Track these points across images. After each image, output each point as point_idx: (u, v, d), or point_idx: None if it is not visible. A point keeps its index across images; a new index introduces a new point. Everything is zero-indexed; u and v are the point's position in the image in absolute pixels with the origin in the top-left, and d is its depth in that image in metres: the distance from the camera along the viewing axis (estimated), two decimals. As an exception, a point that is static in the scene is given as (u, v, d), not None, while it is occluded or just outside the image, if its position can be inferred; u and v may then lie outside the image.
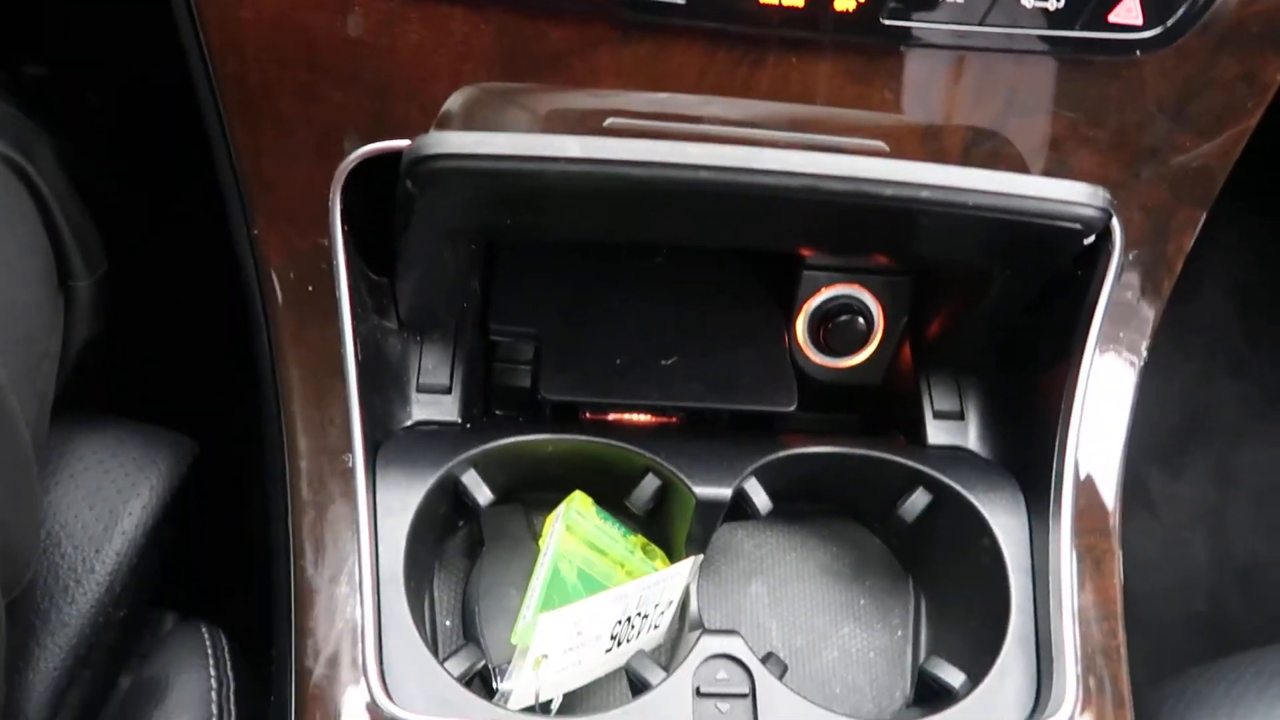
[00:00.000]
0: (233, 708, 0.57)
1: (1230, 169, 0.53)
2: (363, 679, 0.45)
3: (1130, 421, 0.54)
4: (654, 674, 0.51)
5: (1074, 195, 0.46)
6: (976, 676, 0.52)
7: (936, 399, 0.62)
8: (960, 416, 0.61)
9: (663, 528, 0.59)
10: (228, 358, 0.66)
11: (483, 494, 0.55)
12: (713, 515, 0.56)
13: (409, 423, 0.57)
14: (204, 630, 0.62)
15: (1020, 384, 0.59)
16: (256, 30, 0.49)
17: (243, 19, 0.49)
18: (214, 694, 0.57)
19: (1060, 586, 0.51)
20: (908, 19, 0.50)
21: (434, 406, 0.58)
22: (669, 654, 0.57)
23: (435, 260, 0.53)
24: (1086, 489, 0.53)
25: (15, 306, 0.56)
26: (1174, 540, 1.20)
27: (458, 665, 0.50)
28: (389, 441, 0.55)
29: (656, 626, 0.56)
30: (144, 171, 0.88)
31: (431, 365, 0.59)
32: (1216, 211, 0.55)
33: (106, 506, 0.63)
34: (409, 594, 0.49)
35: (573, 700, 0.54)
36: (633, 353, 0.61)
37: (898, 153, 0.50)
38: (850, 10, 0.49)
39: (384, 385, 0.57)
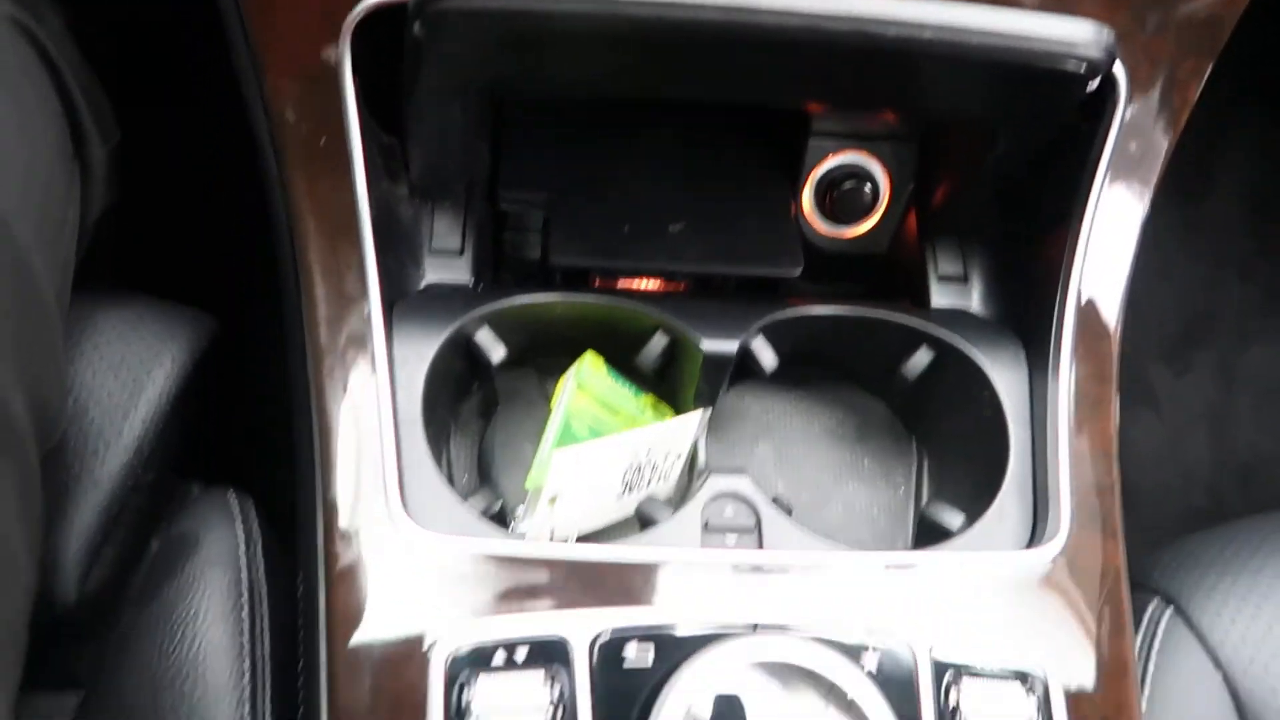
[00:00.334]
0: (260, 563, 0.60)
1: (1238, 19, 0.53)
2: (387, 506, 0.47)
3: (1131, 271, 0.55)
4: (663, 513, 0.53)
5: (1078, 33, 0.46)
6: (975, 517, 0.54)
7: (941, 264, 0.63)
8: (964, 280, 0.62)
9: (671, 387, 0.61)
10: (242, 231, 0.68)
11: (496, 352, 0.57)
12: (720, 371, 0.57)
13: (422, 285, 0.59)
14: (230, 494, 0.64)
15: (1024, 245, 0.60)
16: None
17: None
18: (242, 550, 0.60)
19: (1058, 431, 0.53)
20: None
21: (446, 269, 0.59)
22: (677, 505, 0.59)
23: (444, 117, 0.54)
24: (1086, 336, 0.54)
25: (34, 172, 0.57)
26: (1176, 437, 1.22)
27: (475, 505, 0.52)
28: (403, 300, 0.56)
29: (665, 478, 0.58)
30: (149, 35, 0.87)
31: (443, 230, 0.60)
32: (1230, 114, 0.55)
33: (130, 375, 0.65)
34: (428, 438, 0.51)
35: (585, 542, 0.56)
36: (641, 220, 0.62)
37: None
38: None
39: (396, 248, 0.58)
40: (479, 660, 0.44)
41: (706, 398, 0.59)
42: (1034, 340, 0.57)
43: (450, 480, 0.58)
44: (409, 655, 0.45)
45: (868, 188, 0.64)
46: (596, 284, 0.63)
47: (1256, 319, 1.25)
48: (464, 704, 0.43)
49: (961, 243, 0.63)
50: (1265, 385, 1.24)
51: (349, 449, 0.48)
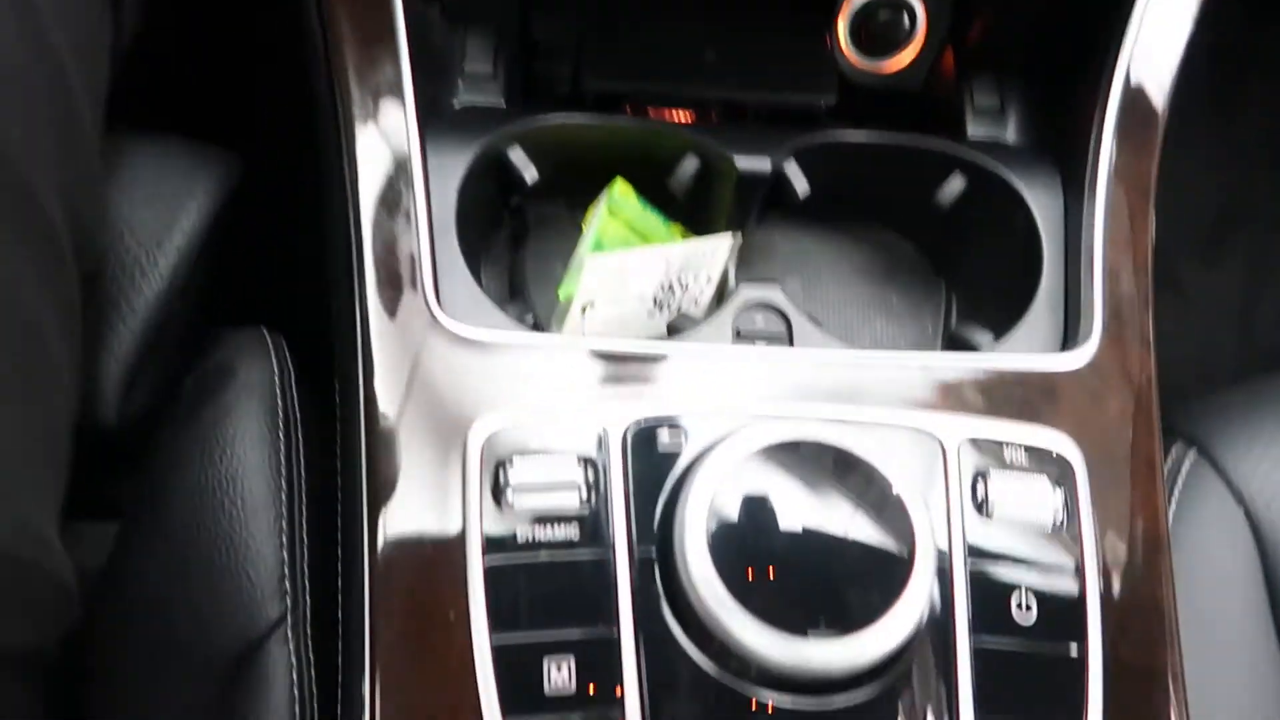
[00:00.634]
0: (294, 393, 0.61)
1: None
2: (424, 303, 0.48)
3: (1172, 89, 0.54)
4: (694, 324, 0.53)
5: None
6: (1004, 334, 0.54)
7: (977, 97, 0.62)
8: (1000, 111, 0.62)
9: (703, 213, 0.60)
10: (269, 71, 0.67)
11: (529, 171, 0.57)
12: (751, 193, 0.57)
13: (456, 106, 0.58)
14: (263, 330, 0.65)
15: (1063, 74, 0.59)
16: None
17: None
18: (276, 380, 0.61)
19: (1094, 244, 0.52)
20: None
21: (478, 92, 0.59)
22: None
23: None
24: (1126, 153, 0.53)
25: None
26: (1204, 329, 1.21)
27: (510, 314, 0.53)
28: (436, 118, 0.56)
29: (696, 302, 0.59)
30: None
31: (475, 54, 0.60)
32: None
33: (164, 206, 0.66)
34: (462, 250, 0.51)
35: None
36: (675, 47, 0.62)
37: None
38: None
39: (429, 69, 0.57)
40: (516, 442, 0.45)
41: (737, 224, 0.59)
42: (1071, 164, 0.56)
43: None
44: (449, 439, 0.45)
45: (905, 17, 0.62)
46: (628, 110, 0.63)
47: (1290, 210, 1.23)
48: (501, 483, 0.44)
49: (999, 76, 0.62)
50: (1297, 277, 1.22)
51: (383, 251, 0.49)
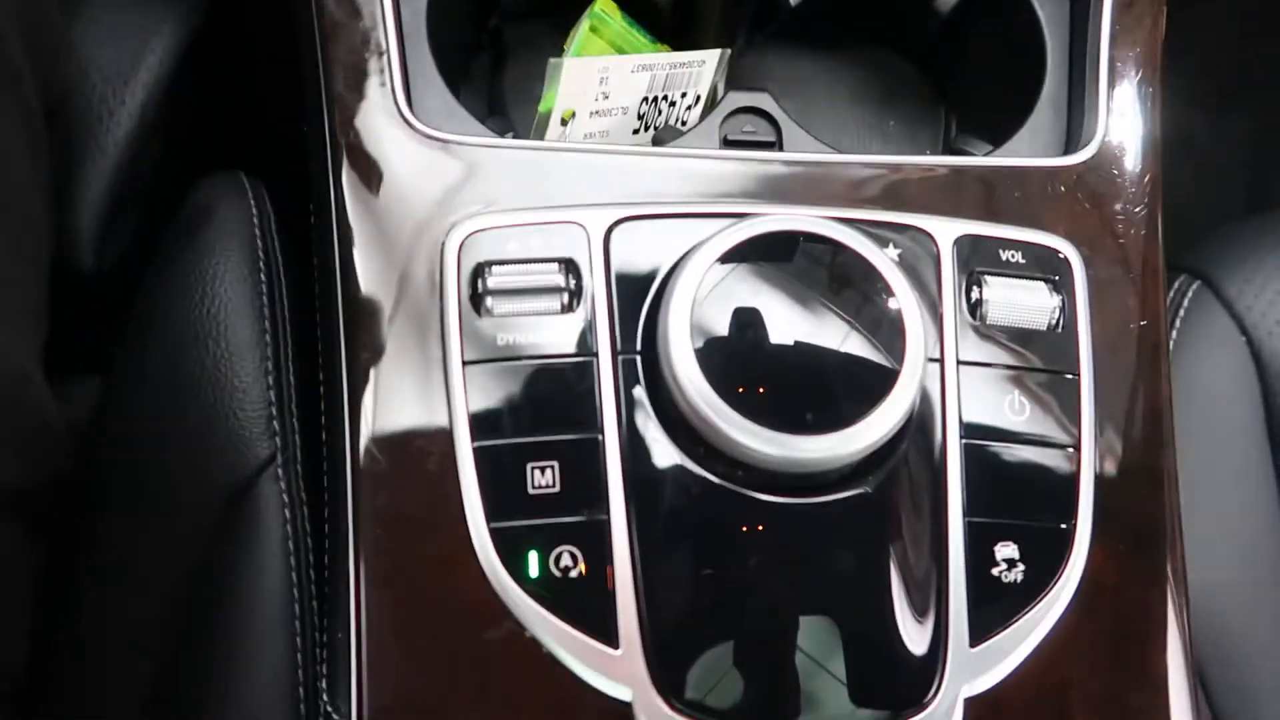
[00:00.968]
0: (274, 234, 0.59)
1: None
2: (394, 107, 0.46)
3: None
4: (679, 134, 0.51)
5: None
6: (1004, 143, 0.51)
7: None
8: None
9: (690, 31, 0.58)
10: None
11: None
12: (741, 2, 0.54)
13: None
14: (241, 175, 0.63)
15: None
16: None
17: None
18: (255, 221, 0.59)
19: (1099, 41, 0.50)
20: None
21: None
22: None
23: None
24: None
25: None
26: (1214, 185, 1.18)
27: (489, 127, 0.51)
28: None
29: (683, 122, 0.56)
30: None
31: None
32: None
33: (129, 43, 0.63)
34: (435, 58, 0.49)
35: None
36: None
37: None
38: None
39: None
40: (493, 248, 0.44)
41: (727, 41, 0.56)
42: None
43: None
44: (425, 247, 0.44)
45: None
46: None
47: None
48: (480, 289, 0.43)
49: None
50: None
51: (347, 55, 0.46)
